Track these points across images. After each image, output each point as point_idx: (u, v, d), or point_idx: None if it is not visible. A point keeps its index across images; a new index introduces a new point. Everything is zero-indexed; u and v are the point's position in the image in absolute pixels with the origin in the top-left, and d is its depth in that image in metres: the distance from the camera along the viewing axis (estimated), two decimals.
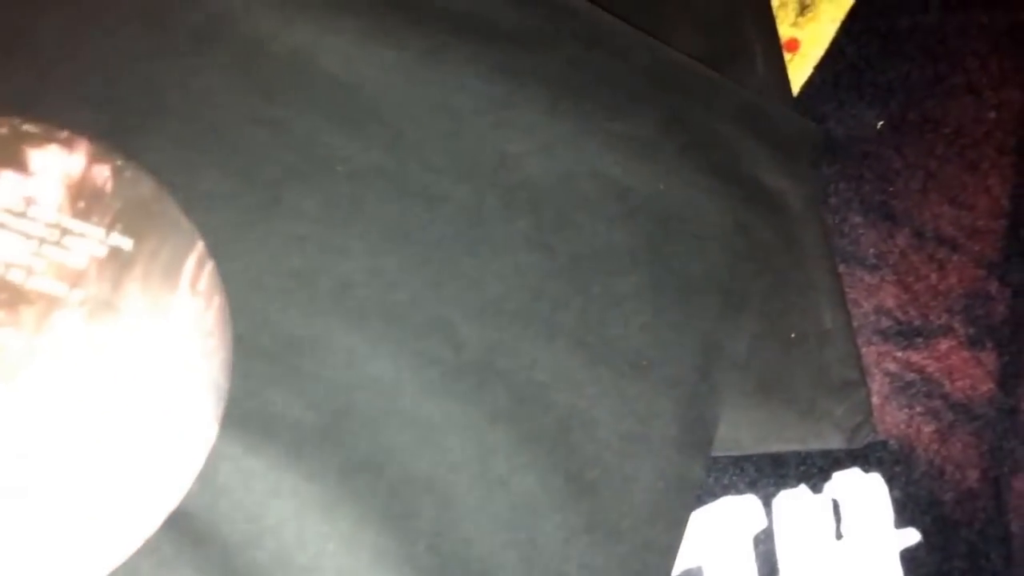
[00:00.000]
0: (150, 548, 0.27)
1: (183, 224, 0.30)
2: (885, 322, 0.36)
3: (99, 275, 0.29)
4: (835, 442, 0.34)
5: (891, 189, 0.38)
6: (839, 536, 0.34)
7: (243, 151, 0.31)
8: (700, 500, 0.33)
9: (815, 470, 0.34)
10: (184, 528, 0.28)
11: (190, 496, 0.28)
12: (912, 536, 0.34)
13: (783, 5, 0.39)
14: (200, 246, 0.30)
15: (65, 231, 0.29)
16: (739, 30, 0.38)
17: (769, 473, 0.34)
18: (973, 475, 0.35)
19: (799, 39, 0.39)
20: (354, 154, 0.32)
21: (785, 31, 0.39)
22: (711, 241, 0.34)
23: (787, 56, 0.39)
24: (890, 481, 0.34)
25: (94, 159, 0.30)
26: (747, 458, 0.34)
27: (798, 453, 0.34)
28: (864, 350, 0.35)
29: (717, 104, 0.36)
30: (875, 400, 0.35)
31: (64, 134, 0.30)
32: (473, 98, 0.34)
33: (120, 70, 0.31)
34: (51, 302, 0.29)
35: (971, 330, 0.36)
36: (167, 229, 0.30)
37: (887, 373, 0.36)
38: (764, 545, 0.33)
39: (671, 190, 0.34)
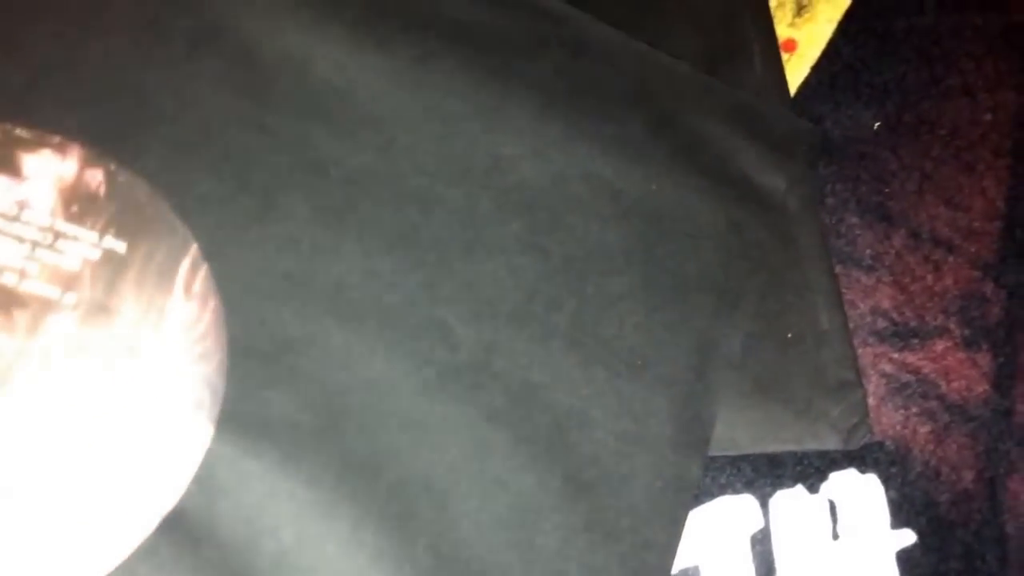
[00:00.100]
0: (147, 551, 0.27)
1: (177, 228, 0.30)
2: (881, 323, 0.36)
3: (93, 278, 0.29)
4: (831, 443, 0.34)
5: (887, 190, 0.38)
6: (835, 536, 0.34)
7: (236, 155, 0.31)
8: (697, 500, 0.33)
9: (812, 470, 0.34)
10: (181, 530, 0.28)
11: (187, 498, 0.28)
12: (908, 537, 0.34)
13: (780, 5, 0.39)
14: (194, 249, 0.30)
15: (58, 235, 0.29)
16: (737, 29, 0.38)
17: (766, 473, 0.34)
18: (969, 476, 0.35)
19: (796, 39, 0.39)
20: (347, 158, 0.32)
21: (782, 31, 0.39)
22: (704, 240, 0.34)
23: (784, 56, 0.38)
24: (886, 482, 0.34)
25: (87, 164, 0.30)
26: (744, 458, 0.34)
27: (795, 453, 0.34)
28: (860, 351, 0.35)
29: (708, 105, 0.36)
30: (871, 401, 0.35)
31: (57, 139, 0.30)
32: (464, 103, 0.34)
33: (113, 75, 0.32)
34: (45, 305, 0.29)
35: (966, 331, 0.36)
36: (161, 233, 0.30)
37: (883, 374, 0.36)
38: (761, 545, 0.33)
39: (663, 190, 0.34)
